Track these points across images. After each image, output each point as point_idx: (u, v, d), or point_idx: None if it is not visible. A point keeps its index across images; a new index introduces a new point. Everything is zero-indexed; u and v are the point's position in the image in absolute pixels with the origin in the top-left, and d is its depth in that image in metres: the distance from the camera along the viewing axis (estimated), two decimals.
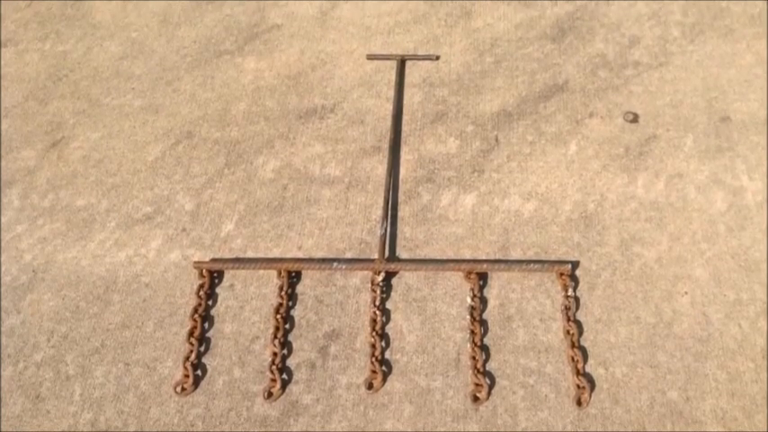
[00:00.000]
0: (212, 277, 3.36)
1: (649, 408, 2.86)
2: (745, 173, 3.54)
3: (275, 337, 3.11)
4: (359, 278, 3.33)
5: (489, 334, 3.11)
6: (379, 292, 3.22)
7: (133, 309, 3.29)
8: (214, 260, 3.42)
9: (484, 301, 3.21)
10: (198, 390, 3.02)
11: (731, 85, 3.91)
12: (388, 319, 3.19)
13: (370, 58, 4.31)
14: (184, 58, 4.43)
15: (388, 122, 3.91)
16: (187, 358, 3.07)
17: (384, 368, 3.03)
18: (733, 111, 3.79)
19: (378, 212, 3.54)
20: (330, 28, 4.53)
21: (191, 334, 3.14)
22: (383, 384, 2.98)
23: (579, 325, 3.10)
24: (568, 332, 3.04)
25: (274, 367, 3.02)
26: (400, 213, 3.54)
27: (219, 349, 3.14)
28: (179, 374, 3.05)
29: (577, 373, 2.92)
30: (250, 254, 3.45)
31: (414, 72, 4.20)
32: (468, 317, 3.13)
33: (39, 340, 3.22)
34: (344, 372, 3.04)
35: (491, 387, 2.95)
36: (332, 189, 3.66)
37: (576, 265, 3.29)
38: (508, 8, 4.51)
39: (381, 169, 3.71)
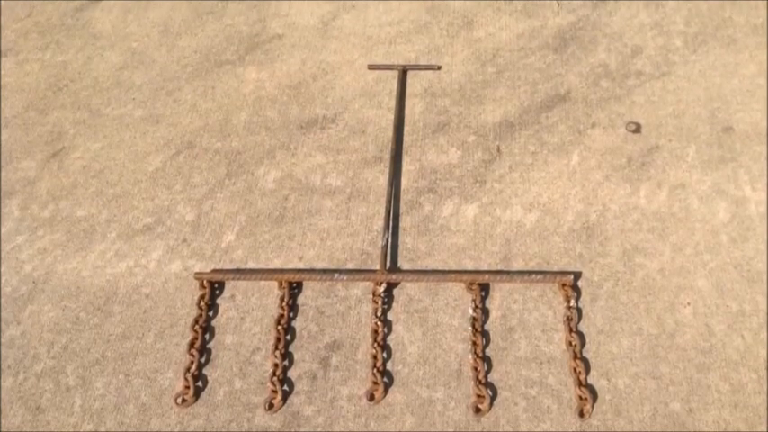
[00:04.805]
0: (213, 288, 3.36)
1: (652, 419, 2.85)
2: (747, 183, 3.53)
3: (276, 348, 3.10)
4: (360, 289, 3.32)
5: (491, 345, 3.10)
6: (380, 302, 3.21)
7: (134, 320, 3.29)
8: (215, 271, 3.41)
9: (486, 312, 3.20)
10: (199, 401, 3.02)
11: (734, 95, 3.91)
12: (390, 330, 3.18)
13: (372, 68, 4.31)
14: (185, 69, 4.43)
15: (390, 133, 3.91)
16: (188, 369, 3.06)
17: (385, 379, 3.02)
18: (736, 121, 3.78)
19: (379, 223, 3.53)
20: (331, 38, 4.53)
21: (191, 345, 3.13)
22: (384, 395, 2.98)
23: (581, 336, 3.09)
24: (570, 343, 3.03)
25: (275, 378, 3.01)
26: (402, 224, 3.54)
27: (220, 360, 3.13)
28: (180, 385, 3.04)
29: (579, 384, 2.91)
30: (251, 264, 3.45)
31: (415, 82, 4.20)
32: (470, 328, 3.13)
33: (39, 351, 3.21)
34: (346, 383, 3.03)
35: (493, 398, 2.95)
36: (333, 199, 3.65)
37: (578, 275, 3.28)
38: (510, 18, 4.51)
39: (383, 180, 3.71)
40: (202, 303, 3.28)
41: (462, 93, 4.11)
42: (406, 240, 3.48)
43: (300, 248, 3.49)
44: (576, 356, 2.99)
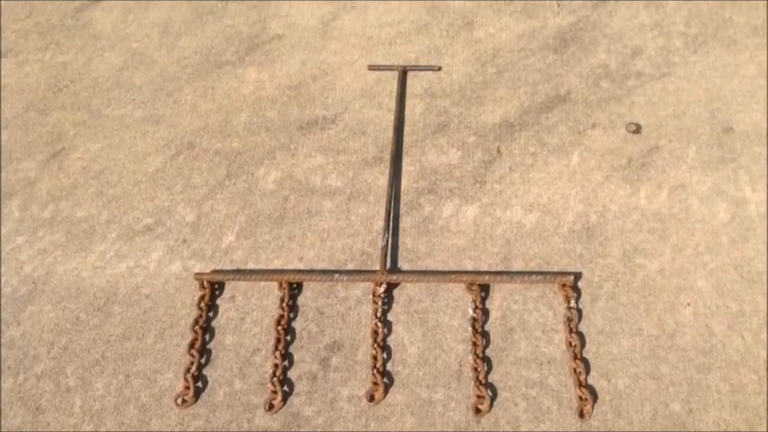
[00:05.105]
0: (213, 289, 3.36)
1: (652, 420, 2.84)
2: (748, 184, 3.53)
3: (276, 348, 3.10)
4: (360, 290, 3.32)
5: (491, 346, 3.10)
6: (380, 303, 3.21)
7: (134, 320, 3.29)
8: (215, 271, 3.41)
9: (486, 313, 3.20)
10: (199, 402, 3.01)
11: (734, 95, 3.91)
12: (390, 330, 3.18)
13: (372, 68, 4.31)
14: (185, 69, 4.43)
15: (390, 133, 3.91)
16: (188, 370, 3.06)
17: (385, 380, 3.01)
18: (736, 121, 3.78)
19: (379, 224, 3.53)
20: (331, 38, 4.53)
21: (191, 346, 3.13)
22: (385, 396, 2.98)
23: (581, 336, 3.09)
24: (571, 344, 3.03)
25: (275, 379, 3.01)
26: (402, 224, 3.54)
27: (220, 361, 3.13)
28: (180, 386, 3.04)
29: (580, 384, 2.91)
30: (251, 265, 3.45)
31: (415, 83, 4.20)
32: (470, 328, 3.12)
33: (39, 352, 3.21)
34: (346, 383, 3.03)
35: (493, 399, 2.94)
36: (333, 200, 3.65)
37: (578, 276, 3.27)
38: (510, 19, 4.51)
39: (383, 180, 3.71)
40: (202, 304, 3.28)
41: (462, 93, 4.11)
42: (406, 241, 3.48)
43: (300, 249, 3.49)
44: (576, 357, 2.99)
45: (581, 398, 2.89)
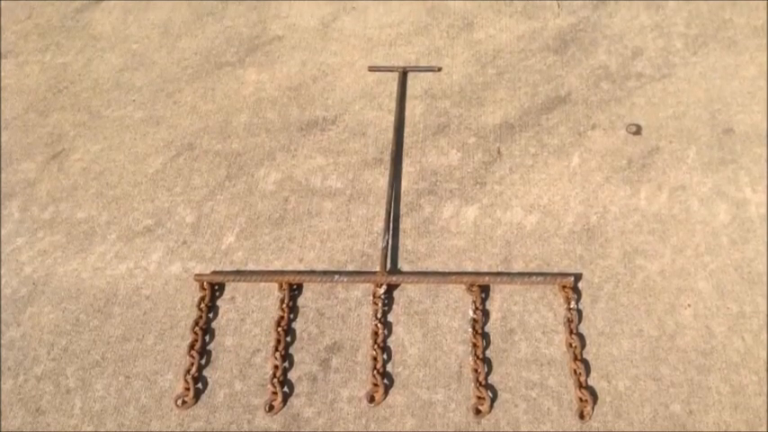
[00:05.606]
0: (213, 290, 3.36)
1: (652, 421, 2.84)
2: (748, 185, 3.52)
3: (276, 349, 3.10)
4: (360, 291, 3.31)
5: (491, 347, 3.10)
6: (380, 304, 3.21)
7: (134, 321, 3.28)
8: (215, 273, 3.41)
9: (486, 314, 3.20)
10: (199, 403, 3.01)
11: (734, 96, 3.90)
12: (390, 331, 3.18)
13: (372, 69, 4.31)
14: (185, 70, 4.43)
15: (390, 134, 3.90)
16: (188, 371, 3.06)
17: (386, 381, 3.01)
18: (736, 123, 3.78)
19: (379, 225, 3.53)
20: (331, 39, 4.53)
21: (191, 347, 3.13)
22: (385, 397, 2.97)
23: (582, 338, 3.08)
24: (571, 345, 3.03)
25: (275, 380, 3.00)
26: (402, 226, 3.53)
27: (220, 362, 3.13)
28: (180, 387, 3.04)
29: (580, 386, 2.91)
30: (251, 266, 3.44)
31: (415, 84, 4.19)
32: (470, 329, 3.12)
33: (39, 353, 3.21)
34: (346, 385, 3.03)
35: (493, 400, 2.94)
36: (333, 201, 3.65)
37: (578, 277, 3.27)
38: (510, 20, 4.51)
39: (383, 181, 3.70)
40: (202, 305, 3.27)
41: (462, 94, 4.10)
42: (406, 242, 3.48)
43: (301, 250, 3.49)
44: (576, 358, 2.99)
45: (581, 399, 2.89)
